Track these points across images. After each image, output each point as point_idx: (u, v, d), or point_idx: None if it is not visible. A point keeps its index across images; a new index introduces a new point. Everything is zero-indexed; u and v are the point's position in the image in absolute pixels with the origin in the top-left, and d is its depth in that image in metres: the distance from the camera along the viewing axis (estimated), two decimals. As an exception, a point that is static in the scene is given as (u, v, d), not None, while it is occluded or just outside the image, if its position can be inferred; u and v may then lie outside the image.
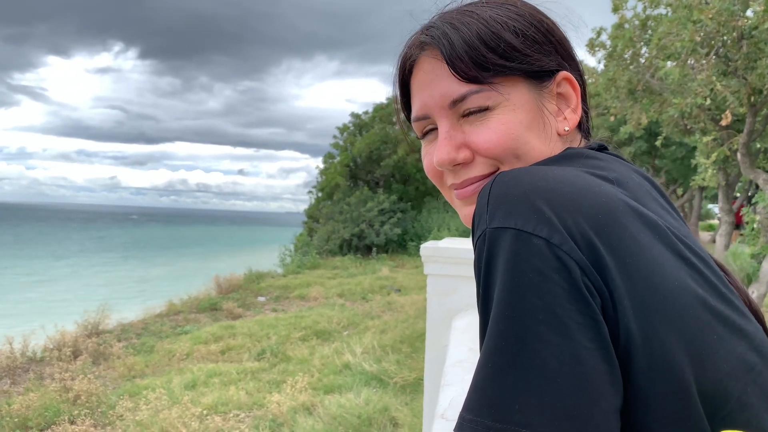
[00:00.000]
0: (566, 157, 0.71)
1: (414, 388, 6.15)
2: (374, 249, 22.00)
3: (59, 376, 6.98)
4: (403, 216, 23.46)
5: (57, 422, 5.79)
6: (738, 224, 23.18)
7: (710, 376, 0.56)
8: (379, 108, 26.81)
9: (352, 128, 27.51)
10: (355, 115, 27.70)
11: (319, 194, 27.01)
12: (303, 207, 28.61)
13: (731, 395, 0.57)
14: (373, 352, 7.68)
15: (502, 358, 0.54)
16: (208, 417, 5.65)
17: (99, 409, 6.18)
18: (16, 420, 5.93)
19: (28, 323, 10.54)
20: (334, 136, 27.71)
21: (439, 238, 16.14)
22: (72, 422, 5.75)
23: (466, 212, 0.76)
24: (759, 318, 0.67)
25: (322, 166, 27.61)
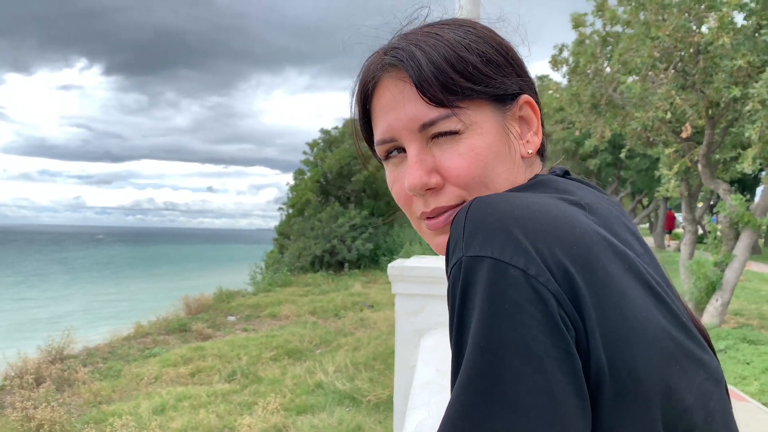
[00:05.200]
0: (538, 184, 0.71)
1: (387, 405, 6.10)
2: (346, 265, 21.90)
3: (21, 404, 6.71)
4: (374, 231, 23.44)
5: (18, 454, 5.58)
6: (669, 229, 24.16)
7: (676, 407, 0.57)
8: (349, 123, 26.78)
9: (321, 144, 27.46)
10: (324, 131, 27.69)
11: (290, 210, 26.79)
12: (273, 224, 28.33)
13: (696, 425, 0.58)
14: (345, 370, 7.61)
15: (475, 390, 0.53)
16: (178, 443, 5.51)
17: (63, 439, 5.97)
18: (-27, 453, 5.69)
19: (-12, 350, 10.15)
20: (304, 152, 27.61)
21: (411, 253, 16.17)
22: (34, 453, 5.54)
23: (438, 241, 0.74)
24: (710, 345, 0.68)
25: (292, 182, 27.48)
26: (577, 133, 11.81)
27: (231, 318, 13.13)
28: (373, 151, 0.81)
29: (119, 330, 11.77)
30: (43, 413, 6.29)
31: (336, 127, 27.50)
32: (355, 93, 0.78)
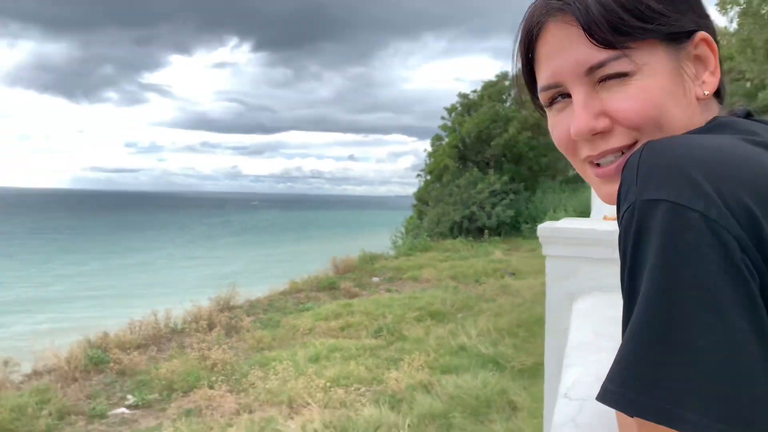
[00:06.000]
0: (718, 126, 0.67)
1: (532, 372, 6.06)
2: (486, 231, 21.71)
3: (197, 345, 7.68)
4: (515, 197, 22.90)
5: (198, 386, 6.40)
6: None
7: None
8: (488, 86, 26.21)
9: (459, 108, 27.10)
10: (462, 95, 27.27)
11: (428, 177, 26.92)
12: (411, 190, 28.67)
13: None
14: (488, 335, 7.66)
15: (651, 334, 0.52)
16: (332, 389, 5.96)
17: (233, 377, 6.74)
18: (163, 383, 6.64)
19: (167, 298, 11.62)
20: (442, 117, 27.44)
21: (555, 219, 15.61)
22: (210, 387, 6.32)
23: (606, 190, 0.72)
24: None
25: (430, 148, 27.57)
26: (747, 84, 10.53)
27: (375, 279, 13.73)
28: (535, 101, 0.80)
29: (276, 286, 12.85)
30: (216, 354, 7.15)
31: (474, 91, 26.97)
32: (518, 40, 0.76)
